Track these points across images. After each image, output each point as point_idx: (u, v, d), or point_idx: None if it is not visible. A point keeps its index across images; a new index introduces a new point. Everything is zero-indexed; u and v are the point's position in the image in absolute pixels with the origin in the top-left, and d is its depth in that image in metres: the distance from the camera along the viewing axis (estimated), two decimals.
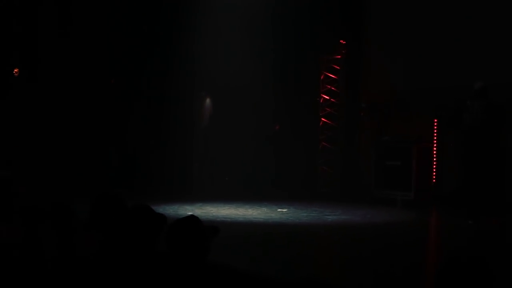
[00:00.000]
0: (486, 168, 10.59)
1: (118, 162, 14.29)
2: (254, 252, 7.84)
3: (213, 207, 12.22)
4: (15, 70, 13.14)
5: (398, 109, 13.90)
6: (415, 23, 13.81)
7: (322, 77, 15.42)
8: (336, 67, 15.28)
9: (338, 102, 15.26)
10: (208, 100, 15.52)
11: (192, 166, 15.36)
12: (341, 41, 15.11)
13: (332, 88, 15.32)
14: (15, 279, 4.04)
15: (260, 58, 15.15)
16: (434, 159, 13.01)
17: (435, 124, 13.09)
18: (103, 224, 4.18)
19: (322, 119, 15.39)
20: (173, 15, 14.86)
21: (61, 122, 13.62)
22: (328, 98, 15.36)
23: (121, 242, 3.96)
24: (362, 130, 14.78)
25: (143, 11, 14.66)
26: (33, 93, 13.42)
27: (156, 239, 3.92)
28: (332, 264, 7.35)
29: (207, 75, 15.32)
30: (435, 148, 13.05)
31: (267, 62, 15.25)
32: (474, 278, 2.89)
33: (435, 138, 13.09)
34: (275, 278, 5.48)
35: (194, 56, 14.99)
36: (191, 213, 11.22)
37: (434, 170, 12.99)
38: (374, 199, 13.25)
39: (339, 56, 15.26)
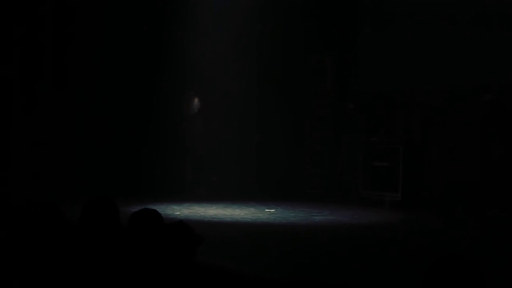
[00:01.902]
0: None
1: (107, 161, 14.24)
2: (242, 251, 7.82)
3: (200, 207, 12.21)
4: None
5: (386, 110, 13.92)
6: (404, 24, 13.85)
7: (310, 77, 15.41)
8: (324, 67, 15.28)
9: (326, 103, 15.27)
10: (196, 100, 15.48)
11: (181, 166, 15.32)
12: (330, 40, 15.12)
13: (320, 89, 15.32)
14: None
15: (248, 58, 15.15)
16: (422, 160, 13.04)
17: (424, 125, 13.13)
18: (95, 228, 4.17)
19: (310, 119, 15.39)
20: (162, 15, 14.84)
21: (53, 121, 13.58)
22: (316, 98, 15.36)
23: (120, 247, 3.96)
24: (350, 130, 14.79)
25: (132, 10, 14.62)
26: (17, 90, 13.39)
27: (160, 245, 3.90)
28: (318, 264, 7.35)
29: (196, 74, 15.29)
30: (423, 149, 13.08)
31: (255, 62, 15.25)
32: (463, 279, 2.89)
33: (423, 139, 13.12)
34: (263, 277, 5.47)
35: (183, 55, 14.97)
36: (179, 213, 11.24)
37: (422, 171, 13.01)
38: (362, 200, 13.27)
39: (327, 56, 15.26)
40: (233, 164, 15.50)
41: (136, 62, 14.78)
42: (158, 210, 4.21)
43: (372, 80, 14.63)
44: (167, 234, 3.72)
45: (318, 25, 14.90)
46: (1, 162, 12.57)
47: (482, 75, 12.41)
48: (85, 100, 14.09)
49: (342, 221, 11.02)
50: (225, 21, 14.82)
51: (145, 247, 3.88)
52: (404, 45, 13.82)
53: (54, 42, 13.74)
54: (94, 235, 4.14)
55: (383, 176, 13.07)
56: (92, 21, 14.22)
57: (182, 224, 3.78)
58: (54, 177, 12.94)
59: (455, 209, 11.79)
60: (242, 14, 14.84)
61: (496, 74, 12.20)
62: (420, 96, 13.41)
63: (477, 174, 11.97)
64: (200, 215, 11.16)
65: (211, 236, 4.25)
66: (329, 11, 14.94)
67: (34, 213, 4.33)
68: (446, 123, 12.73)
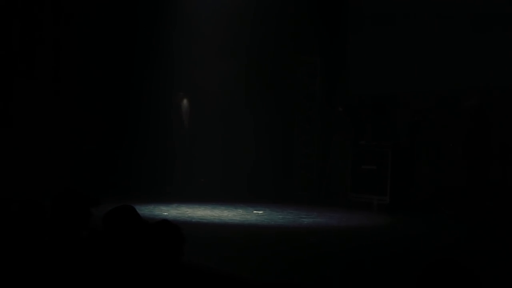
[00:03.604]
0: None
1: (95, 161, 14.21)
2: (229, 253, 7.82)
3: (188, 208, 12.19)
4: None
5: (374, 113, 13.94)
6: (393, 28, 13.87)
7: (299, 80, 15.41)
8: (313, 70, 15.28)
9: (315, 105, 15.26)
10: (185, 101, 15.47)
11: (170, 167, 15.30)
12: (319, 43, 15.12)
13: (309, 91, 15.31)
14: None
15: (238, 60, 15.14)
16: (411, 163, 13.06)
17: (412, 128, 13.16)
18: (66, 221, 4.15)
19: (299, 122, 15.38)
20: (152, 15, 14.83)
21: (38, 118, 13.54)
22: (304, 101, 15.37)
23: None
24: (338, 133, 14.78)
25: (122, 10, 14.61)
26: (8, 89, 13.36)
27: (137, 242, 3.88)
28: (304, 266, 7.35)
29: (185, 75, 15.28)
30: (411, 153, 13.10)
31: (244, 63, 15.24)
32: (458, 282, 2.89)
33: (411, 142, 13.15)
34: (249, 278, 5.47)
35: (172, 56, 14.96)
36: (167, 213, 11.22)
37: (410, 174, 13.04)
38: (350, 203, 13.28)
39: (316, 59, 15.26)
40: (221, 165, 15.49)
41: (126, 63, 14.76)
42: (146, 211, 4.20)
43: (361, 83, 14.65)
44: (152, 233, 3.69)
45: (308, 28, 14.90)
46: None
47: (471, 78, 12.46)
48: (74, 100, 14.06)
49: (330, 223, 11.02)
50: (215, 22, 14.82)
51: (125, 246, 3.86)
52: (393, 48, 13.85)
53: (47, 42, 13.73)
54: (66, 230, 4.11)
55: (371, 179, 13.08)
56: (83, 22, 14.20)
57: (167, 223, 3.76)
58: (41, 176, 12.89)
59: (442, 213, 11.83)
60: (232, 15, 14.84)
61: (485, 78, 12.25)
62: (408, 100, 13.44)
63: (462, 178, 12.06)
64: (188, 216, 11.14)
65: (198, 237, 4.23)
66: (319, 14, 14.94)
67: (17, 211, 4.30)
68: (434, 126, 12.76)
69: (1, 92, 13.30)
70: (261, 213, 11.94)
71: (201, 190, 14.90)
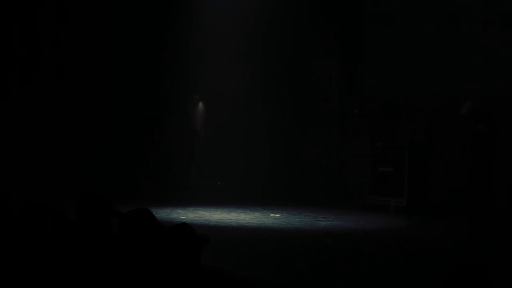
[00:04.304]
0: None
1: (112, 165, 14.25)
2: (246, 256, 7.82)
3: (205, 211, 12.21)
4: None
5: (391, 115, 13.89)
6: (409, 29, 13.82)
7: (315, 82, 15.40)
8: (329, 72, 15.27)
9: (331, 108, 15.24)
10: (201, 104, 15.50)
11: (186, 170, 15.33)
12: (335, 45, 15.10)
13: (325, 94, 15.30)
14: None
15: (253, 62, 15.16)
16: (427, 165, 13.01)
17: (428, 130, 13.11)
18: (90, 225, 4.17)
19: (315, 124, 15.36)
20: (167, 19, 14.86)
21: (55, 123, 13.59)
22: (320, 103, 15.35)
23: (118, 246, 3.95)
24: (355, 136, 14.76)
25: (137, 13, 14.65)
26: (28, 94, 13.40)
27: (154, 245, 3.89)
28: (321, 268, 7.34)
29: (200, 78, 15.31)
30: (428, 154, 13.05)
31: (260, 66, 15.26)
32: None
33: (428, 144, 13.10)
34: (267, 282, 5.46)
35: (188, 59, 14.99)
36: (184, 217, 11.24)
37: (427, 176, 12.99)
38: (367, 205, 13.24)
39: (332, 61, 15.24)
40: (238, 168, 15.50)
41: (140, 66, 14.81)
42: (163, 214, 4.21)
43: (377, 85, 14.60)
44: (171, 236, 3.70)
45: (323, 30, 14.88)
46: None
47: (490, 80, 12.39)
48: (91, 104, 14.11)
49: (347, 226, 11.00)
50: (230, 25, 14.84)
51: (142, 249, 3.87)
52: (408, 49, 13.80)
53: (55, 42, 13.77)
54: (91, 235, 4.13)
55: (388, 181, 13.05)
56: (97, 25, 14.24)
57: (185, 226, 3.77)
58: (55, 180, 12.94)
59: (459, 217, 11.75)
60: (247, 18, 14.86)
61: (505, 79, 12.17)
62: (425, 101, 13.38)
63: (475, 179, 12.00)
64: (205, 219, 11.15)
65: (216, 240, 4.24)
66: (334, 16, 14.92)
67: (35, 215, 4.33)
68: (451, 128, 12.69)
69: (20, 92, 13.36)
70: (278, 216, 11.93)
71: (218, 193, 14.92)
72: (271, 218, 11.69)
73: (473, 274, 2.91)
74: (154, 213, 4.15)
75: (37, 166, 13.02)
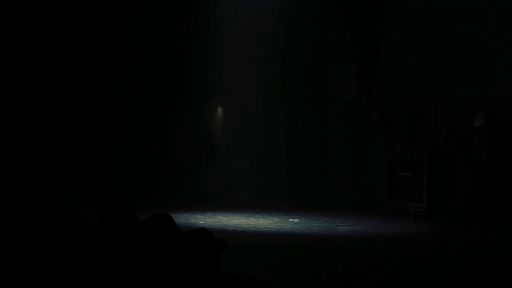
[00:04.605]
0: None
1: (131, 170, 14.30)
2: (265, 261, 7.82)
3: (224, 216, 12.22)
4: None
5: (410, 119, 13.84)
6: (428, 32, 13.78)
7: (334, 87, 15.38)
8: (348, 76, 15.24)
9: (350, 112, 15.22)
10: (219, 109, 15.53)
11: (205, 175, 15.35)
12: (354, 49, 15.07)
13: (344, 98, 15.27)
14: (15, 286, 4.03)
15: (271, 67, 15.17)
16: (447, 170, 12.94)
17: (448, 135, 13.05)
18: (113, 233, 4.18)
19: (334, 129, 15.34)
20: (185, 25, 14.90)
21: (74, 129, 13.67)
22: (339, 107, 15.33)
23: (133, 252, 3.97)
24: (374, 140, 14.73)
25: (156, 19, 14.71)
26: (44, 98, 13.53)
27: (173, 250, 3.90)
28: (342, 274, 7.32)
29: (219, 83, 15.34)
30: (447, 159, 12.99)
31: (278, 71, 15.26)
32: None
33: (448, 148, 13.04)
34: (285, 287, 5.46)
35: (206, 64, 15.02)
36: (203, 222, 11.25)
37: (447, 181, 12.92)
38: (386, 210, 13.20)
39: (351, 65, 15.22)
40: (256, 173, 15.50)
41: (160, 71, 14.85)
42: (182, 219, 4.22)
43: (396, 89, 14.56)
44: (189, 241, 3.71)
45: (342, 34, 14.85)
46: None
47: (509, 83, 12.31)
48: (110, 109, 14.18)
49: (366, 231, 10.96)
50: (249, 29, 14.85)
51: (162, 254, 3.88)
52: (427, 53, 13.75)
53: (84, 52, 13.91)
54: (113, 241, 4.14)
55: (407, 186, 12.99)
56: (115, 31, 14.31)
57: (204, 231, 3.78)
58: (76, 184, 13.01)
59: (479, 223, 11.68)
60: (266, 23, 14.87)
61: None
62: (444, 105, 13.32)
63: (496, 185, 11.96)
64: (224, 224, 11.16)
65: (234, 245, 4.23)
66: (353, 20, 14.89)
67: (57, 220, 4.34)
68: (470, 131, 12.62)
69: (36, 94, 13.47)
70: (296, 221, 11.91)
71: (237, 198, 14.92)
72: (289, 223, 11.68)
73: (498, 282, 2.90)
74: (173, 218, 4.16)
75: (60, 172, 13.14)
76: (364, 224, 11.73)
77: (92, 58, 14.00)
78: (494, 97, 12.47)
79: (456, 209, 12.49)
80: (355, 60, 15.06)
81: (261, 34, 14.99)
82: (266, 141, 15.53)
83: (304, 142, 15.25)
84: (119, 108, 14.36)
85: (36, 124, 13.37)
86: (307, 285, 6.61)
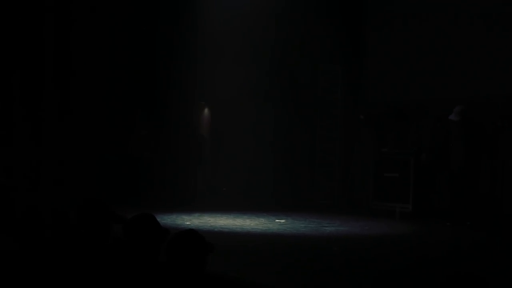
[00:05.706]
0: None
1: (118, 170, 14.26)
2: (251, 262, 7.82)
3: (211, 217, 12.21)
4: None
5: (396, 121, 13.89)
6: (414, 34, 13.84)
7: (320, 88, 15.42)
8: (335, 77, 15.29)
9: (337, 113, 15.27)
10: (206, 110, 15.52)
11: (192, 176, 15.34)
12: (340, 51, 15.12)
13: (331, 99, 15.32)
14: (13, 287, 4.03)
15: (258, 68, 15.18)
16: (433, 170, 12.99)
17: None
18: (89, 229, 4.19)
19: (321, 130, 15.39)
20: (172, 26, 14.88)
21: (63, 129, 13.63)
22: (326, 109, 15.37)
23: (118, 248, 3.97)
24: (360, 141, 14.77)
25: (143, 19, 14.68)
26: (37, 102, 13.48)
27: (158, 250, 3.92)
28: (327, 275, 7.33)
29: (205, 84, 15.33)
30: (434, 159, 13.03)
31: (265, 71, 15.28)
32: None
33: (433, 149, 13.09)
34: (271, 287, 5.47)
35: (194, 66, 15.01)
36: (189, 223, 11.25)
37: (433, 182, 12.97)
38: (372, 211, 13.24)
39: (338, 67, 15.26)
40: (243, 174, 15.50)
41: (147, 73, 14.82)
42: (168, 220, 4.23)
43: (382, 90, 14.62)
44: (178, 242, 3.72)
45: (329, 36, 14.90)
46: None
47: (495, 85, 12.38)
48: (96, 110, 14.14)
49: (352, 232, 10.99)
50: (235, 31, 14.87)
51: (146, 254, 3.90)
52: (414, 55, 13.82)
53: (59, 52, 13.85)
54: (90, 238, 4.15)
55: (393, 187, 13.04)
56: (102, 32, 14.27)
57: (192, 232, 3.79)
58: (63, 185, 12.98)
59: (465, 224, 11.75)
60: (254, 23, 14.89)
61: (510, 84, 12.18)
62: (430, 107, 13.38)
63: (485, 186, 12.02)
64: (211, 225, 11.16)
65: (221, 246, 4.24)
66: (339, 22, 14.94)
67: (36, 217, 4.35)
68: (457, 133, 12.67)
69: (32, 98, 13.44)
70: (283, 221, 11.92)
71: (223, 199, 14.92)
72: (276, 224, 11.68)
73: (469, 284, 2.91)
74: (159, 219, 4.17)
75: (44, 172, 13.09)
76: (351, 225, 11.76)
77: (85, 59, 13.97)
78: (478, 99, 12.54)
79: (442, 210, 12.53)
80: (341, 62, 15.11)
81: (248, 35, 15.01)
82: (252, 142, 15.54)
83: (290, 143, 15.27)
84: (105, 110, 14.31)
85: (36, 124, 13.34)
86: (294, 286, 6.62)
